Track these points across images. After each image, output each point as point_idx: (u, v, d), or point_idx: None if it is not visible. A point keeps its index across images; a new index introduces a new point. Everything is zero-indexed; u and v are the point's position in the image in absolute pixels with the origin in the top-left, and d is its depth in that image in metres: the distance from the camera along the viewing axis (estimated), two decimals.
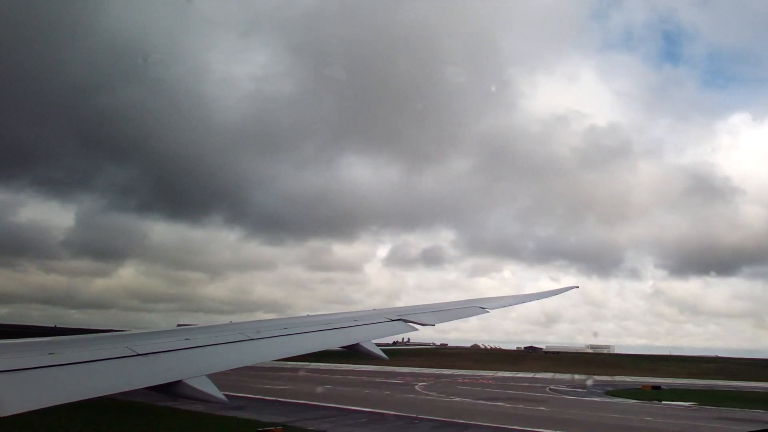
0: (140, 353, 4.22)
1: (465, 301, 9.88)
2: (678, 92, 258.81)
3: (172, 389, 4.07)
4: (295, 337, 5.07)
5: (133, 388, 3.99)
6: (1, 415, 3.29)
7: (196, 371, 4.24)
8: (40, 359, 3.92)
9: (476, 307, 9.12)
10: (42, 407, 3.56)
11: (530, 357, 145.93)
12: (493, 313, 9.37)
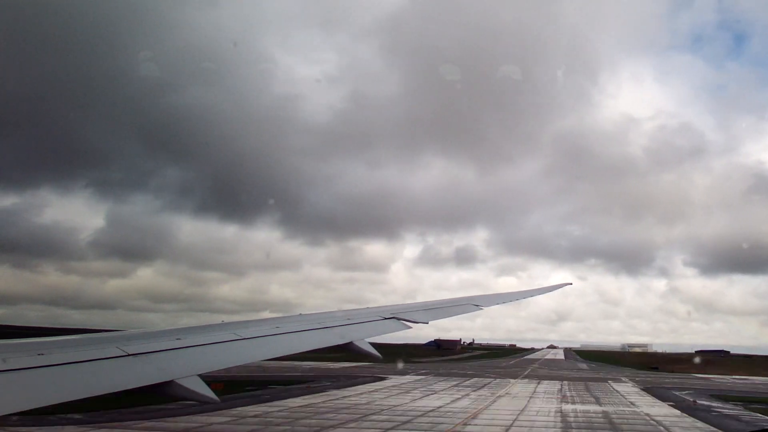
0: (131, 353, 4.19)
1: (459, 298, 9.89)
2: (745, 91, 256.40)
3: (163, 390, 4.05)
4: (288, 336, 5.04)
5: (124, 389, 3.96)
6: None
7: (188, 371, 4.21)
8: (29, 360, 3.88)
9: (470, 304, 9.13)
10: (31, 408, 3.53)
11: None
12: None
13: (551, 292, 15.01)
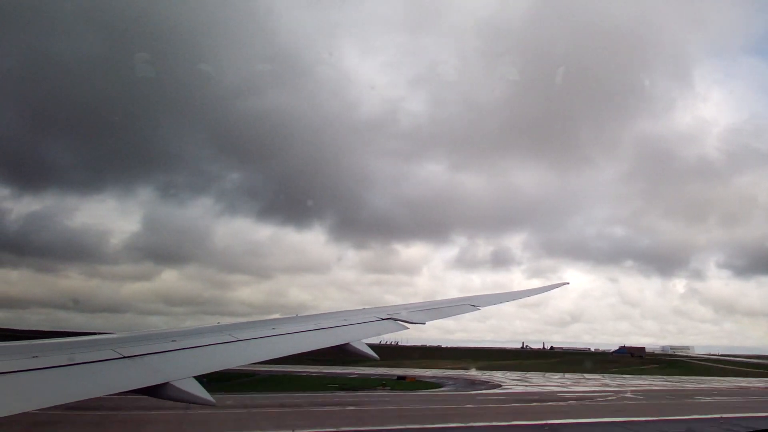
0: (126, 356, 4.18)
1: (457, 299, 9.88)
2: None
3: (159, 392, 4.04)
4: (283, 337, 5.04)
5: (119, 391, 3.95)
6: None
7: (183, 373, 4.21)
8: (23, 362, 3.88)
9: (467, 305, 9.12)
10: (25, 411, 3.52)
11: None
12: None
13: (548, 292, 15.03)
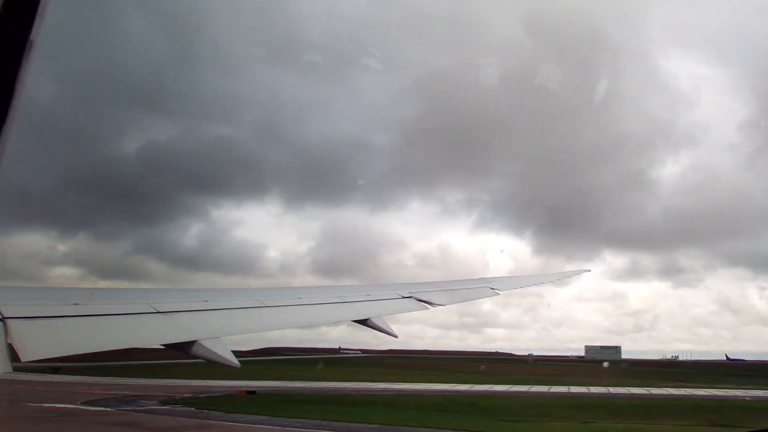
0: (160, 311, 4.36)
1: (476, 280, 9.95)
2: None
3: (187, 348, 4.23)
4: (308, 308, 5.18)
5: (152, 345, 4.15)
6: (23, 361, 3.43)
7: (211, 333, 4.38)
8: (64, 309, 4.07)
9: (487, 287, 9.18)
10: (63, 356, 3.71)
11: None
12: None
13: (568, 278, 15.17)
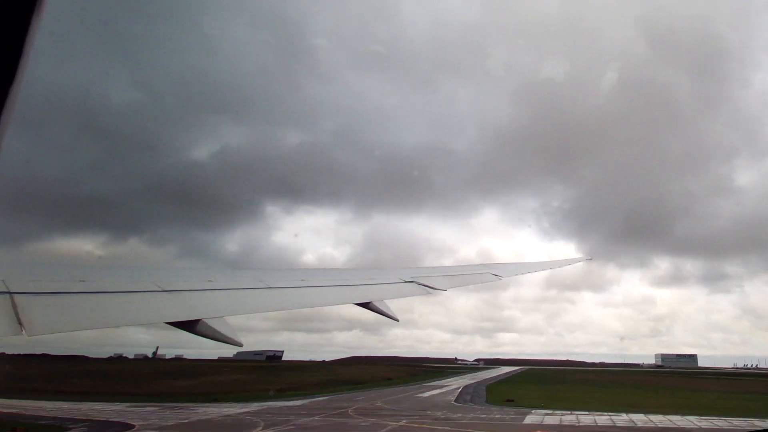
0: (165, 289, 4.41)
1: (479, 265, 9.99)
2: None
3: (191, 327, 4.29)
4: (312, 290, 5.23)
5: (157, 322, 4.21)
6: (28, 336, 3.48)
7: (215, 312, 4.44)
8: (70, 285, 4.13)
9: (489, 273, 9.23)
10: (68, 332, 3.77)
11: None
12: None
13: (570, 265, 15.33)
